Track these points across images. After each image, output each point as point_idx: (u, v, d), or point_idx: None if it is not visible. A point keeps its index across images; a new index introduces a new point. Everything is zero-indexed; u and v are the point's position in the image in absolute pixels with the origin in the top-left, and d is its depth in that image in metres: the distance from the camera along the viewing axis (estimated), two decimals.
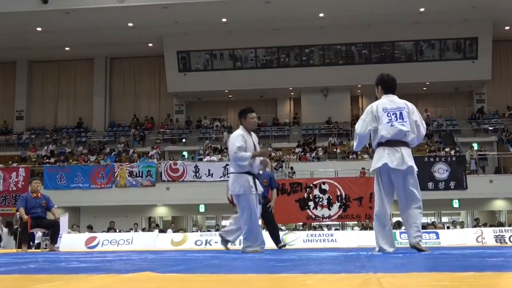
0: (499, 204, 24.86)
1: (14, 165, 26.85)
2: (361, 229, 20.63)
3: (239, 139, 7.64)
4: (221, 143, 29.57)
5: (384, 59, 29.98)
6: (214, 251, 10.45)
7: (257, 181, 7.65)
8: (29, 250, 11.98)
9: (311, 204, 21.54)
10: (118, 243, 17.40)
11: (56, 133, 32.80)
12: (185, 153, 29.24)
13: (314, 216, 21.47)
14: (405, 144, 6.15)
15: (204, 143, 29.75)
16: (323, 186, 21.76)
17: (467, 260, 4.25)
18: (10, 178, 24.26)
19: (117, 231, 21.16)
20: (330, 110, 30.96)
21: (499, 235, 16.57)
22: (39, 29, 28.38)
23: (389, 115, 6.16)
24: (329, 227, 23.38)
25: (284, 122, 32.63)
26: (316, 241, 17.01)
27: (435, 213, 26.30)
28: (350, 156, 26.44)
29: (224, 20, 27.72)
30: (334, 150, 27.87)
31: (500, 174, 24.21)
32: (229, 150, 7.68)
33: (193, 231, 23.22)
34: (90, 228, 21.37)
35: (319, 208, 21.59)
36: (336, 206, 22.07)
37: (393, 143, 6.11)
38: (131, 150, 28.92)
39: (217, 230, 22.25)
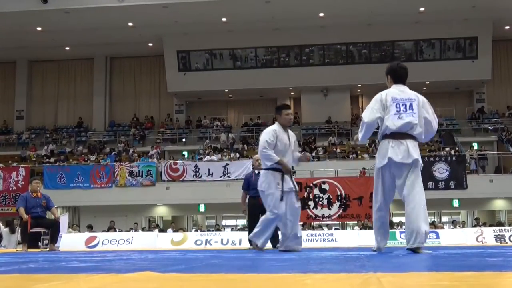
0: (499, 204, 24.86)
1: (14, 164, 26.85)
2: (361, 229, 20.64)
3: (271, 134, 7.49)
4: (220, 143, 29.57)
5: (384, 58, 29.93)
6: (214, 250, 10.45)
7: (287, 177, 7.49)
8: (37, 250, 11.97)
9: (311, 203, 21.55)
10: (118, 243, 17.42)
11: (56, 133, 32.80)
12: (185, 153, 29.24)
13: (314, 216, 21.48)
14: (412, 137, 5.90)
15: (204, 143, 29.75)
16: (323, 186, 21.77)
17: (467, 260, 4.25)
18: (10, 178, 24.25)
19: (117, 230, 21.17)
20: (330, 110, 30.96)
21: (499, 234, 16.59)
22: (39, 28, 28.38)
23: (397, 106, 5.95)
24: (329, 226, 23.37)
25: None
26: (316, 241, 17.04)
27: (435, 213, 26.28)
28: (350, 156, 26.44)
29: (224, 19, 27.71)
30: (334, 149, 27.87)
31: (500, 174, 24.21)
32: (259, 144, 7.54)
33: (193, 230, 23.21)
34: (90, 228, 21.38)
35: (319, 207, 21.59)
36: (336, 205, 22.08)
37: (398, 135, 5.87)
38: (131, 150, 28.92)
39: (217, 229, 22.28)
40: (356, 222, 22.35)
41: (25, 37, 29.41)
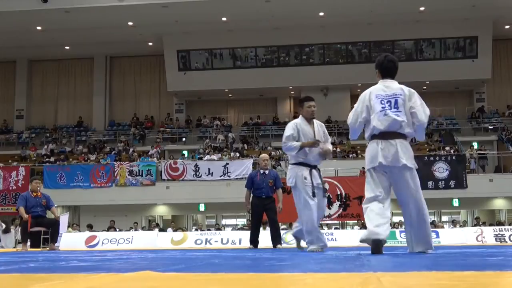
0: (499, 203, 24.86)
1: (14, 164, 26.86)
2: (361, 228, 20.62)
3: (291, 127, 7.34)
4: (219, 142, 29.55)
5: None
6: (214, 250, 10.46)
7: (315, 172, 7.28)
8: (37, 249, 11.98)
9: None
10: (118, 242, 17.42)
11: (56, 132, 32.79)
12: (185, 152, 29.24)
13: None
14: (402, 136, 5.54)
15: (204, 142, 29.75)
16: None
17: (467, 259, 4.25)
18: (10, 177, 24.27)
19: (117, 230, 21.18)
20: (330, 109, 30.93)
21: (499, 234, 16.59)
22: (39, 28, 28.37)
23: (382, 102, 5.55)
24: (329, 226, 23.37)
25: (284, 121, 32.58)
26: None
27: (435, 212, 26.30)
28: (350, 155, 26.45)
29: (224, 19, 27.71)
30: (334, 149, 27.84)
31: (500, 173, 24.21)
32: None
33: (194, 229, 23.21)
34: (90, 227, 21.39)
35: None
36: (336, 205, 22.10)
37: (387, 135, 5.50)
38: (131, 149, 28.92)
39: (217, 229, 22.29)
40: (356, 221, 22.35)
41: (25, 37, 29.40)
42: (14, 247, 16.40)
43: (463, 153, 24.95)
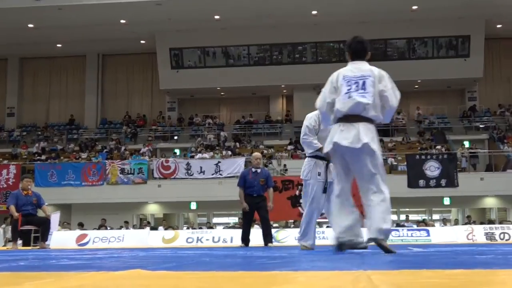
0: (490, 202, 24.97)
1: (5, 162, 26.71)
2: None
3: (312, 119, 6.97)
4: (210, 141, 29.51)
5: (377, 56, 29.98)
6: (205, 248, 10.45)
7: (331, 167, 6.74)
8: (27, 248, 11.94)
9: (303, 201, 21.55)
10: (109, 241, 17.38)
11: (48, 130, 32.67)
12: (177, 151, 29.19)
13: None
14: (366, 119, 5.16)
15: (196, 141, 29.71)
16: None
17: (458, 258, 4.26)
18: (0, 176, 24.15)
19: (108, 228, 21.13)
20: None
21: (489, 232, 16.66)
22: (31, 25, 28.24)
23: (349, 84, 5.29)
24: (320, 224, 23.39)
25: (277, 119, 32.63)
26: None
27: (426, 211, 26.40)
28: None
29: (217, 17, 27.68)
30: None
31: (491, 172, 24.31)
32: (301, 131, 6.98)
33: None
34: (81, 226, 21.33)
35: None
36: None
37: (350, 118, 5.15)
38: (123, 148, 28.85)
39: (210, 227, 22.28)
40: None
41: (17, 34, 29.26)
42: (4, 246, 16.34)
43: (454, 151, 25.04)
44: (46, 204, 12.50)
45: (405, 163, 23.52)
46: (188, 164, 24.38)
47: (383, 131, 29.61)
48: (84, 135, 32.17)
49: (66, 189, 24.10)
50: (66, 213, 24.61)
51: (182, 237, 17.50)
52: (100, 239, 17.50)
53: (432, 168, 22.61)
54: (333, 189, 6.10)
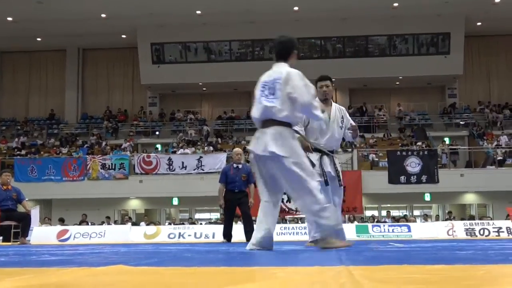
0: (470, 198, 25.21)
1: None
2: None
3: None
4: (191, 137, 29.43)
5: (358, 53, 30.13)
6: (187, 244, 10.44)
7: (326, 159, 6.61)
8: (7, 244, 11.83)
9: (284, 197, 21.54)
10: (90, 236, 17.30)
11: (27, 125, 32.38)
12: (158, 146, 29.09)
13: (287, 209, 21.53)
14: (279, 123, 5.11)
15: (177, 136, 29.62)
16: None
17: (438, 253, 4.30)
18: None
19: (89, 224, 21.02)
20: None
21: (469, 228, 16.83)
22: (10, 18, 27.93)
23: (262, 89, 5.26)
24: (302, 220, 23.45)
25: None
26: (290, 234, 17.12)
27: (407, 207, 26.59)
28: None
29: (198, 12, 27.59)
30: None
31: (471, 168, 24.53)
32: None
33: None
34: (62, 221, 21.18)
35: (292, 201, 21.64)
36: None
37: (264, 123, 5.20)
38: (104, 143, 28.68)
39: (192, 223, 22.25)
40: None
41: None
42: None
43: (435, 148, 25.22)
44: (26, 199, 12.39)
45: (386, 159, 23.66)
46: (169, 159, 24.31)
47: (365, 127, 29.79)
48: (64, 130, 31.92)
49: (47, 184, 23.92)
50: (46, 209, 24.44)
51: (164, 233, 17.46)
52: (81, 234, 17.41)
53: (413, 164, 22.78)
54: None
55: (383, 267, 2.80)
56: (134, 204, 26.35)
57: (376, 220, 21.98)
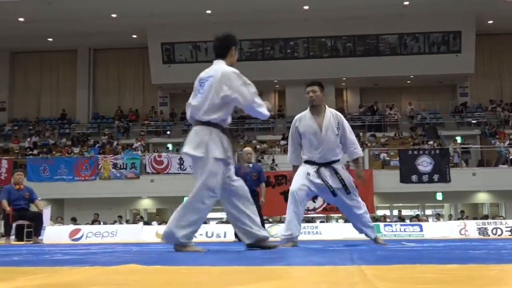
0: (482, 197, 25.07)
1: None
2: (345, 222, 20.70)
3: (292, 122, 6.73)
4: None
5: (369, 52, 30.05)
6: (198, 243, 10.45)
7: (326, 171, 6.42)
8: (20, 243, 11.90)
9: None
10: (103, 236, 17.34)
11: (39, 125, 32.56)
12: (169, 145, 29.15)
13: None
14: (203, 123, 5.11)
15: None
16: None
17: (451, 253, 4.28)
18: None
19: (101, 223, 21.09)
20: None
21: (482, 227, 16.73)
22: (21, 19, 28.08)
23: (197, 87, 5.27)
24: (313, 219, 23.44)
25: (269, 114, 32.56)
26: (301, 234, 17.06)
27: (419, 206, 26.47)
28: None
29: (208, 11, 27.61)
30: None
31: (483, 167, 24.40)
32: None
33: None
34: (74, 220, 21.28)
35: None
36: (320, 198, 22.09)
37: (194, 122, 5.23)
38: (115, 142, 28.78)
39: (204, 222, 22.24)
40: (340, 215, 22.44)
41: (8, 28, 29.05)
42: None
43: (446, 147, 25.11)
44: (38, 199, 12.46)
45: (398, 159, 23.58)
46: (181, 159, 24.34)
47: (376, 126, 29.73)
48: (76, 129, 32.07)
49: (59, 184, 24.02)
50: (59, 208, 24.55)
51: None
52: (93, 234, 17.46)
53: (424, 164, 22.68)
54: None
55: (396, 266, 2.79)
56: (146, 204, 26.42)
57: (387, 219, 21.90)
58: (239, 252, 4.97)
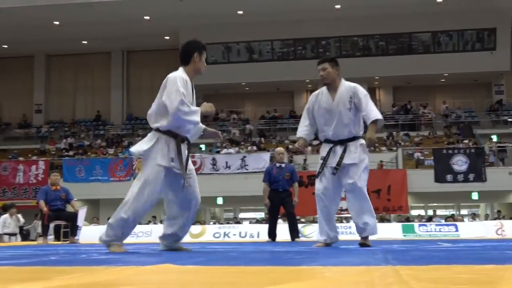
0: None
1: (34, 158, 27.09)
2: (379, 222, 20.55)
3: (309, 99, 6.54)
4: (234, 136, 29.52)
5: (401, 50, 29.78)
6: (232, 243, 10.49)
7: (338, 149, 6.13)
8: (57, 243, 12.10)
9: None
10: (137, 235, 17.54)
11: (75, 126, 33.03)
12: (202, 146, 29.29)
13: None
14: (154, 129, 5.27)
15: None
16: None
17: (487, 253, 4.22)
18: (30, 171, 24.48)
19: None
20: None
21: None
22: (56, 22, 28.53)
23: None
24: (347, 219, 23.31)
25: (301, 114, 32.47)
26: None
27: (454, 206, 26.14)
28: (368, 149, 26.28)
29: (240, 12, 27.69)
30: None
31: None
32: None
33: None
34: None
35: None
36: None
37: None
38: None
39: (237, 222, 22.37)
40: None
41: (43, 31, 29.55)
42: (35, 240, 16.55)
43: (482, 146, 24.75)
44: (74, 199, 12.65)
45: (432, 158, 23.32)
46: (213, 159, 24.45)
47: (409, 126, 29.45)
48: (110, 131, 32.44)
49: (94, 185, 24.33)
50: (94, 209, 24.86)
51: (209, 232, 17.59)
52: None
53: (459, 163, 22.38)
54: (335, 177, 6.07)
55: (431, 267, 2.77)
56: None
57: (428, 219, 21.64)
58: (272, 252, 4.97)
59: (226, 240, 16.37)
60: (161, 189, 5.26)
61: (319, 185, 6.21)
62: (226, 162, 24.22)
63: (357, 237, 6.24)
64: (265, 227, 12.20)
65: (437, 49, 29.74)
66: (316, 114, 6.31)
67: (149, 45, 32.75)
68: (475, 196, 23.64)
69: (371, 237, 6.21)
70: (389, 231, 16.76)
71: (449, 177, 22.28)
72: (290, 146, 26.37)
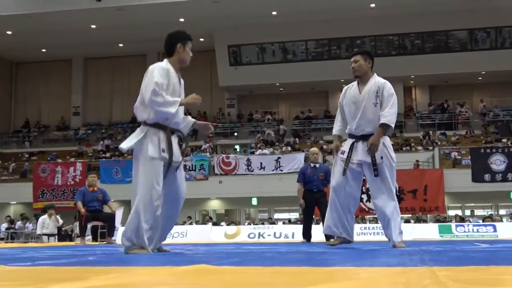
0: None
1: (72, 160, 27.53)
2: (415, 222, 20.38)
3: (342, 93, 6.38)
4: (271, 137, 29.53)
5: (438, 48, 29.40)
6: (267, 244, 10.49)
7: (360, 145, 5.96)
8: (94, 243, 12.26)
9: (364, 197, 21.29)
10: (173, 236, 17.64)
11: (111, 128, 33.45)
12: (237, 147, 29.38)
13: (367, 209, 21.29)
14: (143, 123, 5.31)
15: (256, 137, 29.83)
16: None
17: None
18: (68, 173, 24.90)
19: None
20: None
21: None
22: (93, 26, 28.96)
23: None
24: (375, 220, 23.11)
25: (335, 114, 32.34)
26: (370, 234, 16.90)
27: (492, 206, 25.71)
28: (404, 148, 26.06)
29: (274, 13, 27.70)
30: None
31: None
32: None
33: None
34: None
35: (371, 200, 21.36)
36: None
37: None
38: (184, 144, 29.19)
39: (272, 223, 22.37)
40: (410, 215, 22.07)
41: (80, 35, 30.03)
42: (73, 241, 16.81)
43: None
44: (111, 200, 12.80)
45: (469, 157, 22.98)
46: (248, 160, 24.50)
47: (446, 125, 29.05)
48: None
49: (131, 186, 24.34)
50: (130, 209, 25.10)
51: (244, 233, 17.61)
52: None
53: (497, 162, 22.00)
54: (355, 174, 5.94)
55: (469, 268, 2.73)
56: (214, 205, 26.72)
57: (460, 219, 21.36)
58: (307, 253, 4.96)
59: (261, 241, 16.37)
60: (161, 179, 5.26)
61: (337, 179, 6.07)
62: (261, 163, 24.25)
63: (384, 237, 6.07)
64: (299, 228, 12.17)
65: (474, 46, 29.30)
66: (344, 107, 6.24)
67: None
68: None
69: (405, 238, 6.08)
70: (426, 231, 16.57)
71: (486, 176, 21.92)
72: (325, 147, 26.27)
